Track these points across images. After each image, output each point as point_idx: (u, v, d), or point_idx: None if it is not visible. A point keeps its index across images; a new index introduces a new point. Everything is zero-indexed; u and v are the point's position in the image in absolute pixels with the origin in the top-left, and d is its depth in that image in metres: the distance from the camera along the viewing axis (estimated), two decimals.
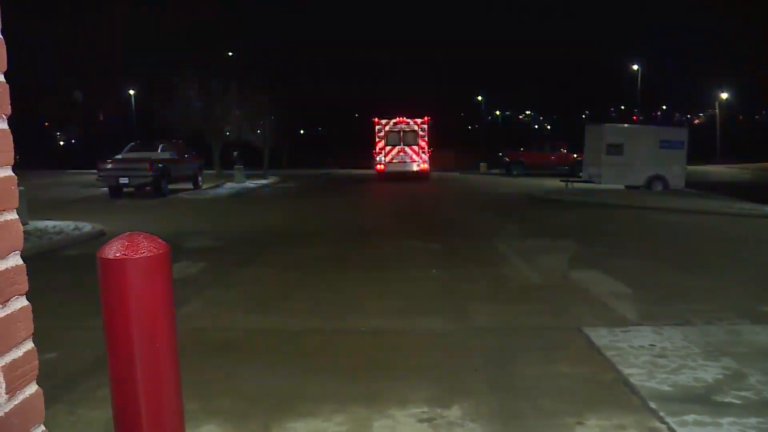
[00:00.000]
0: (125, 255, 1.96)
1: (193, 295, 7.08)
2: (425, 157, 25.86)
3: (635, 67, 61.65)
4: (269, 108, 32.84)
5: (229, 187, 25.42)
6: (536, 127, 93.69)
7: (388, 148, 25.51)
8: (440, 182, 30.24)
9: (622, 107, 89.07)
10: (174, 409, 2.12)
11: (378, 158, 25.68)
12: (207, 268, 8.74)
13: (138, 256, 1.97)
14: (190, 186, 24.17)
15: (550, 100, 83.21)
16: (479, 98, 63.32)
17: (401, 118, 25.53)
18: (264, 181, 29.63)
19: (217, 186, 25.27)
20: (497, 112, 76.13)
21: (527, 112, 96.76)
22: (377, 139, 25.72)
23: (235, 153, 34.51)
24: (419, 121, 25.78)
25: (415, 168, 25.76)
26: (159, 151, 22.29)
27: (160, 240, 2.06)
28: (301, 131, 64.24)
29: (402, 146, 25.32)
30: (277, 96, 33.20)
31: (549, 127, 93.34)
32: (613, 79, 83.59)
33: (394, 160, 25.58)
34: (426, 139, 25.87)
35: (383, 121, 25.67)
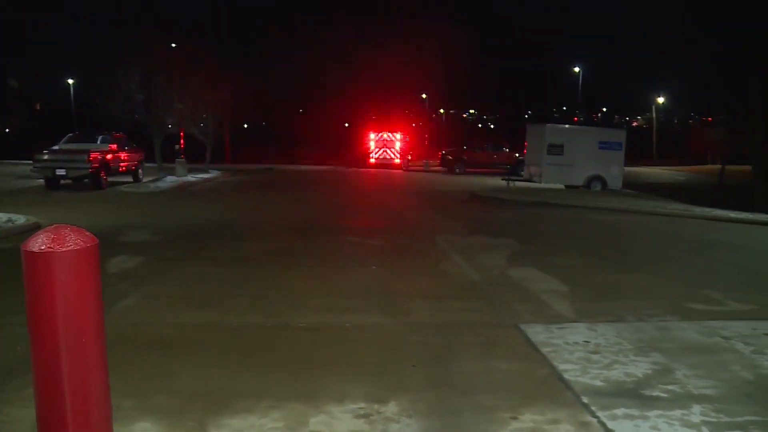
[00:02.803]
0: (51, 248, 1.91)
1: (131, 290, 6.94)
2: (398, 154, 38.90)
3: (576, 69, 63.00)
4: (212, 102, 32.41)
5: (171, 180, 24.93)
6: (480, 126, 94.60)
7: (376, 149, 38.72)
8: (382, 179, 30.35)
9: (564, 108, 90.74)
10: (101, 406, 2.08)
11: (371, 155, 38.71)
12: (146, 262, 8.56)
13: (64, 249, 1.92)
14: (130, 179, 23.68)
15: (494, 99, 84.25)
16: (423, 96, 63.70)
17: (384, 132, 39.15)
18: (206, 176, 29.21)
19: (157, 179, 24.75)
20: (441, 111, 76.60)
21: (471, 111, 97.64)
22: (371, 143, 38.86)
23: (176, 146, 33.92)
24: (395, 134, 39.25)
25: (392, 161, 38.67)
26: (98, 142, 21.76)
27: (87, 233, 2.01)
28: (245, 125, 63.45)
29: (384, 148, 38.64)
30: (221, 90, 32.80)
31: (492, 126, 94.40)
32: (556, 80, 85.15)
33: (380, 156, 38.71)
34: (400, 144, 39.01)
35: (373, 134, 39.08)
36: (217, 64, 32.77)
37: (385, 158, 38.60)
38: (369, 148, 38.91)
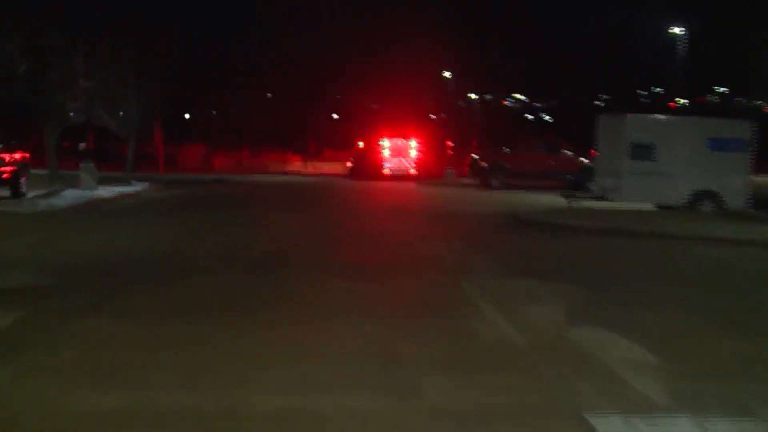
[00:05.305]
0: None
1: (0, 361, 6.90)
2: (413, 164, 45.08)
3: (676, 30, 62.30)
4: (136, 80, 32.33)
5: (72, 196, 24.71)
6: (528, 117, 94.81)
7: (390, 158, 44.79)
8: (389, 195, 30.45)
9: (657, 90, 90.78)
10: None
11: (384, 165, 44.63)
12: (26, 318, 8.52)
13: None
14: (6, 193, 23.36)
15: (549, 78, 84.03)
16: (446, 74, 63.58)
17: (399, 138, 45.45)
18: (126, 189, 29.00)
19: (50, 194, 24.59)
20: (472, 95, 76.52)
21: (516, 96, 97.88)
22: (384, 152, 44.97)
23: (81, 146, 33.83)
24: (409, 140, 45.52)
25: (407, 172, 44.58)
26: None
27: None
28: (186, 116, 63.67)
29: (399, 158, 44.91)
30: (150, 63, 32.83)
31: (547, 117, 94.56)
32: (643, 49, 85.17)
33: (394, 166, 44.64)
34: (414, 151, 45.34)
35: (387, 141, 45.26)
36: (146, 23, 32.62)
37: (399, 168, 45.36)
38: (382, 157, 44.90)
